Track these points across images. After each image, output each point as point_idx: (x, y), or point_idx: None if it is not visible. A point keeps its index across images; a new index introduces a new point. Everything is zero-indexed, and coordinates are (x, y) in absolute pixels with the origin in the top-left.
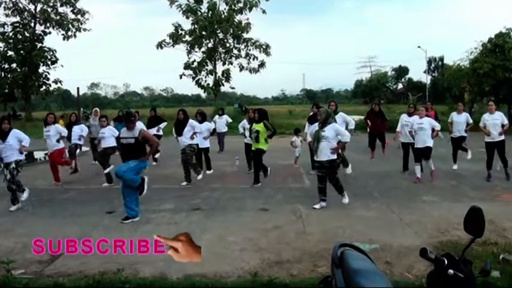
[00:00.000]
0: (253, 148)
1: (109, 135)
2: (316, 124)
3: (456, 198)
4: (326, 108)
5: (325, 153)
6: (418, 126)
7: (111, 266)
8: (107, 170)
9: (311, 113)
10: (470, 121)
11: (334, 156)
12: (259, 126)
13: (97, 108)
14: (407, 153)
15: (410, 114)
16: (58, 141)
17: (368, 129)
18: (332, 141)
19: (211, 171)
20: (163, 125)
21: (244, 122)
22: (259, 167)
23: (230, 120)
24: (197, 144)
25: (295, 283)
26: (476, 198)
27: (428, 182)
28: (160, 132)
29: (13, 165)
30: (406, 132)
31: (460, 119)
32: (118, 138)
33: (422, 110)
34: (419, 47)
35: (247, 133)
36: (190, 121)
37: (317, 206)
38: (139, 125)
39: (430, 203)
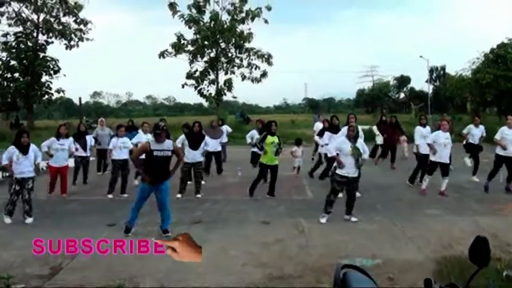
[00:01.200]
0: (270, 163)
1: (129, 146)
2: (342, 137)
3: (459, 212)
4: (356, 125)
5: (357, 169)
6: (447, 141)
7: (111, 280)
8: (126, 195)
9: (321, 123)
10: (484, 134)
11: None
12: (277, 139)
13: (103, 118)
14: (421, 166)
15: (424, 125)
16: (70, 156)
17: (383, 141)
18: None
19: (204, 182)
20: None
21: (254, 133)
22: (275, 182)
23: (230, 130)
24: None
25: None
26: (479, 211)
27: (432, 194)
28: None
29: (31, 184)
30: (425, 145)
31: (478, 132)
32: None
33: (445, 123)
34: (421, 56)
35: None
36: (206, 138)
37: (323, 220)
38: (147, 137)
39: (433, 217)
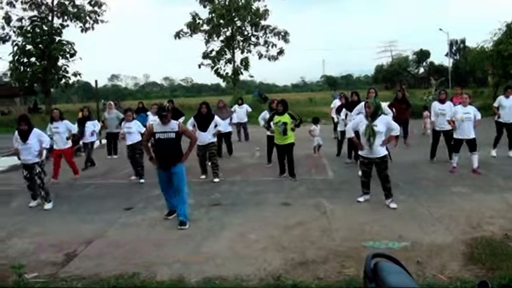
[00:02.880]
0: (279, 142)
1: (136, 131)
2: (360, 114)
3: (487, 189)
4: (374, 99)
5: (378, 149)
6: (466, 116)
7: (127, 268)
8: (142, 181)
9: (340, 100)
10: None
11: (385, 151)
12: (285, 118)
13: (111, 102)
14: (437, 142)
15: (442, 101)
16: (68, 138)
17: (393, 117)
18: (384, 135)
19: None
20: (182, 119)
21: (265, 113)
22: (293, 162)
23: (250, 109)
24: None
25: None
26: (507, 188)
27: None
28: None
29: (38, 169)
30: (441, 121)
31: (509, 103)
32: (151, 135)
33: (466, 97)
34: (441, 29)
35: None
36: (216, 118)
37: (361, 199)
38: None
39: (460, 195)
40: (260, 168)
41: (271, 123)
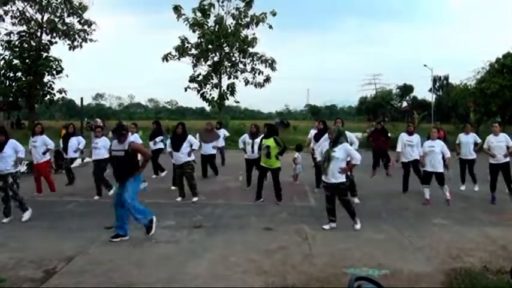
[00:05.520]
0: (264, 165)
1: (101, 147)
2: (325, 141)
3: (466, 222)
4: (337, 126)
5: (333, 175)
6: (429, 149)
7: (107, 286)
8: (111, 192)
9: (315, 130)
10: (479, 141)
11: (343, 178)
12: (269, 142)
13: (97, 119)
14: (408, 174)
15: (410, 133)
16: (44, 153)
17: (373, 148)
18: (342, 162)
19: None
20: (158, 138)
21: (245, 136)
22: (279, 186)
23: (228, 134)
24: (194, 160)
25: None
26: (487, 222)
27: (437, 203)
28: (160, 146)
29: (10, 179)
30: (408, 152)
31: (468, 140)
32: (110, 151)
33: (435, 131)
34: (425, 65)
35: (248, 148)
36: (190, 137)
37: (326, 227)
38: (132, 138)
39: (441, 226)
40: (243, 192)
41: (260, 146)
